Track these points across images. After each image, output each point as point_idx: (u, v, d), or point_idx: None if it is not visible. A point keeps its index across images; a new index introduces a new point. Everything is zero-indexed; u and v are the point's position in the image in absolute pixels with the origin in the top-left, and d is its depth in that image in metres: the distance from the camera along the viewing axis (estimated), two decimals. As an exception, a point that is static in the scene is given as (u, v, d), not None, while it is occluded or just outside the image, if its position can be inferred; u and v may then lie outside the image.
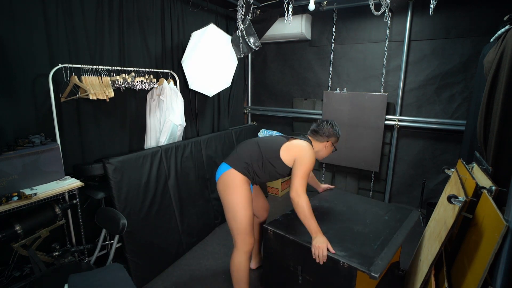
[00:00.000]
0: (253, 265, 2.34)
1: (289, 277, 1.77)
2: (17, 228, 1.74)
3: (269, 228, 1.82)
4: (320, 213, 1.99)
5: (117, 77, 2.27)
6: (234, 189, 1.78)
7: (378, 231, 1.81)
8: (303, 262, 1.68)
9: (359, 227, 1.85)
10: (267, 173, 1.87)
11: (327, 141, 1.97)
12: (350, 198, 2.31)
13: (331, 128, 1.96)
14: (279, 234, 1.77)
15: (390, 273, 1.99)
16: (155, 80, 2.56)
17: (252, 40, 3.04)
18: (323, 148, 1.98)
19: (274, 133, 4.24)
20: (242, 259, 1.81)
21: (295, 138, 1.93)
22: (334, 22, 3.57)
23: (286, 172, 1.88)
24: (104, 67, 2.22)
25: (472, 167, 1.84)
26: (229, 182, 1.80)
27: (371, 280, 1.49)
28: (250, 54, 4.27)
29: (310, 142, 1.95)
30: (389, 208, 2.18)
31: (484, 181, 1.53)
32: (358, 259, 1.50)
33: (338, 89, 3.62)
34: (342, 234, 1.74)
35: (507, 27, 1.75)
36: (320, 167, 4.02)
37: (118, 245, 2.05)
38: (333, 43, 3.65)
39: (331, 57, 3.70)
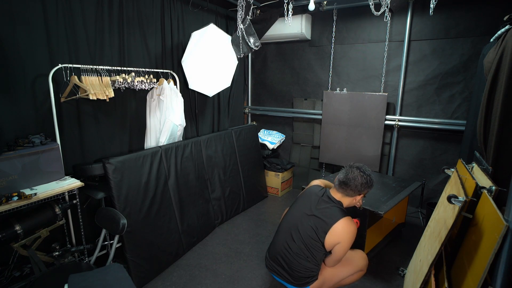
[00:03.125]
0: None
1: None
2: (17, 228, 1.74)
3: None
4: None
5: (117, 77, 2.27)
6: (326, 285, 1.85)
7: (386, 192, 2.52)
8: None
9: (373, 190, 2.46)
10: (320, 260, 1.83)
11: (358, 196, 1.76)
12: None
13: (363, 178, 1.71)
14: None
15: (396, 231, 2.83)
16: (155, 80, 2.56)
17: (252, 40, 3.04)
18: (353, 201, 1.79)
19: (274, 133, 4.24)
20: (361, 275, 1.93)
21: (327, 209, 1.75)
22: (334, 22, 3.57)
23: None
24: (104, 67, 2.22)
25: (472, 167, 1.84)
26: None
27: (380, 224, 2.47)
28: (250, 54, 4.26)
29: (342, 204, 1.77)
30: (396, 179, 2.92)
31: (484, 181, 1.53)
32: (370, 205, 2.19)
33: (338, 89, 3.62)
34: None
35: (507, 27, 1.75)
36: (320, 166, 4.02)
37: (118, 245, 2.05)
38: (333, 43, 3.65)
39: (331, 57, 3.70)
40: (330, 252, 1.78)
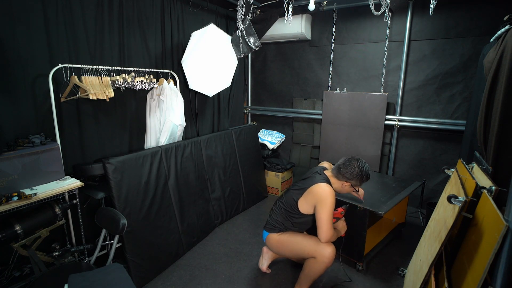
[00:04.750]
0: (265, 267, 2.34)
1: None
2: (17, 228, 1.74)
3: None
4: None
5: (117, 77, 2.27)
6: (281, 242, 2.04)
7: (387, 192, 2.52)
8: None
9: (373, 190, 2.54)
10: (300, 227, 2.05)
11: (346, 182, 1.93)
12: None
13: (357, 170, 1.88)
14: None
15: (396, 231, 2.83)
16: (155, 80, 2.56)
17: (252, 40, 3.04)
18: (340, 186, 1.97)
19: (274, 133, 4.24)
20: (321, 266, 1.90)
21: (309, 178, 1.97)
22: (334, 22, 3.57)
23: (313, 220, 1.97)
24: (104, 67, 2.22)
25: (472, 167, 1.84)
26: (274, 243, 2.07)
27: (380, 224, 2.47)
28: (250, 54, 4.27)
29: (327, 178, 1.94)
30: (396, 179, 2.92)
31: (484, 181, 1.53)
32: (370, 205, 2.19)
33: (338, 89, 3.62)
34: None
35: (507, 27, 1.75)
36: (320, 167, 4.02)
37: (118, 245, 2.05)
38: (333, 43, 3.65)
39: (331, 57, 3.70)
40: (303, 216, 1.96)
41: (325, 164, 2.24)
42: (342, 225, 2.05)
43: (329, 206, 1.81)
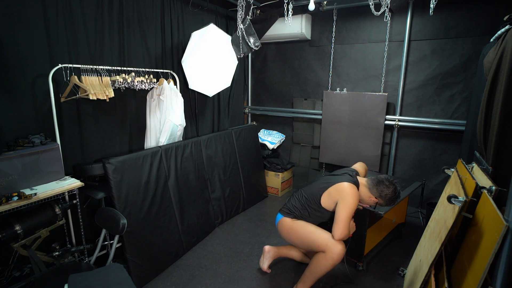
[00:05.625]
0: (266, 266, 2.34)
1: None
2: (17, 228, 1.74)
3: None
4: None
5: (117, 77, 2.27)
6: (293, 228, 2.04)
7: None
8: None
9: None
10: (315, 219, 2.06)
11: (374, 198, 1.95)
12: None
13: (392, 194, 1.90)
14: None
15: (396, 231, 2.82)
16: (155, 80, 2.56)
17: (252, 40, 3.04)
18: (366, 197, 1.98)
19: (274, 133, 4.24)
20: (329, 262, 1.89)
21: (339, 176, 2.00)
22: (334, 22, 3.57)
23: (331, 216, 1.99)
24: (104, 67, 2.22)
25: (472, 167, 1.84)
26: (286, 228, 2.08)
27: (380, 224, 2.45)
28: (250, 54, 4.26)
29: (357, 183, 1.95)
30: (396, 179, 2.85)
31: (484, 181, 1.53)
32: (371, 206, 2.14)
33: (338, 89, 3.62)
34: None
35: (507, 27, 1.75)
36: (320, 166, 4.02)
37: (118, 245, 2.05)
38: (333, 43, 3.65)
39: (331, 57, 3.70)
40: (322, 210, 1.98)
41: (358, 166, 2.26)
42: (351, 225, 2.06)
43: (351, 206, 1.83)
